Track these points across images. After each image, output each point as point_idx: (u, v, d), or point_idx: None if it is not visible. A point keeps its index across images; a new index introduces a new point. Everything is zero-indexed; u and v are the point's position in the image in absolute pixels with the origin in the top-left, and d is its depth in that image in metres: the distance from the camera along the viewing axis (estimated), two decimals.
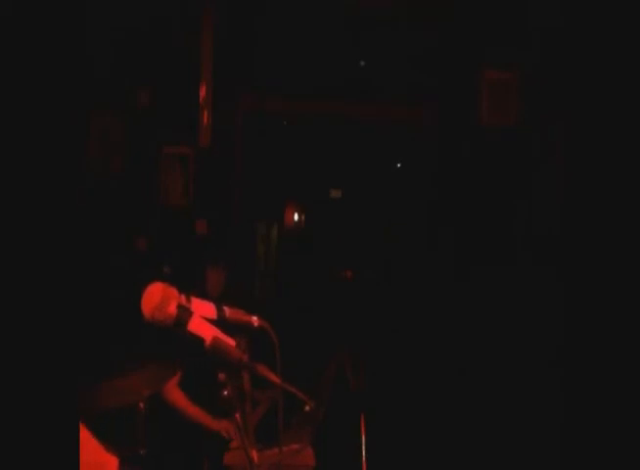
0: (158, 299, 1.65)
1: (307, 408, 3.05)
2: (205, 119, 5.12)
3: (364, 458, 3.46)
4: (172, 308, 1.65)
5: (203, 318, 1.70)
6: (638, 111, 1.53)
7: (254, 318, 1.81)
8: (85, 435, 1.47)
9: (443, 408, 4.87)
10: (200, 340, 1.67)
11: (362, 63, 5.44)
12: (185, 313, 1.67)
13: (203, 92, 5.09)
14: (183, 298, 1.70)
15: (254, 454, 3.15)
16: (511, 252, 5.16)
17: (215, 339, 1.67)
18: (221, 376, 1.73)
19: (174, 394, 3.59)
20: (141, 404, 2.98)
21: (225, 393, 1.74)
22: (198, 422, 3.56)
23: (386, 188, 7.16)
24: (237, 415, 1.80)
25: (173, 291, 1.68)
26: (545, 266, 4.78)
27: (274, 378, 1.71)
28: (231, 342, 1.69)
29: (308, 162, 7.30)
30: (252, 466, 1.95)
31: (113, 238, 4.99)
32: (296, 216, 7.94)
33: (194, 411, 3.58)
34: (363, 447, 3.47)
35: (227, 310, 1.78)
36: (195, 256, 4.47)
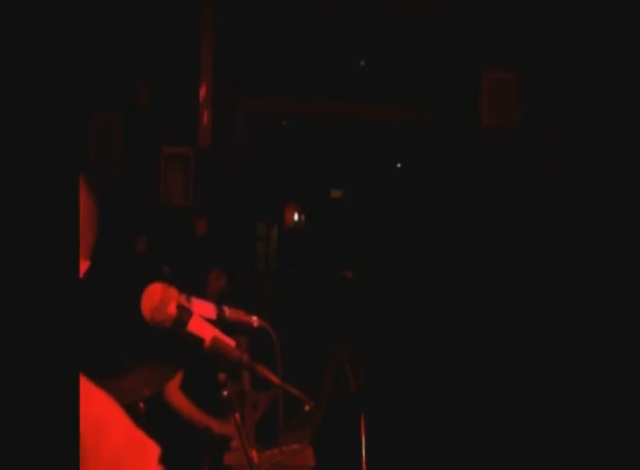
0: (157, 299, 1.65)
1: (307, 408, 3.05)
2: (205, 119, 5.12)
3: (364, 458, 3.46)
4: (172, 309, 1.65)
5: (203, 318, 1.70)
6: (638, 111, 1.54)
7: (254, 318, 1.81)
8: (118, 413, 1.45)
9: (443, 408, 4.87)
10: (200, 340, 1.67)
11: (362, 63, 5.44)
12: (185, 313, 1.67)
13: (203, 92, 5.09)
14: (183, 298, 1.69)
15: (254, 454, 3.15)
16: (511, 252, 5.16)
17: (215, 339, 1.67)
18: (221, 376, 1.72)
19: (177, 398, 3.59)
20: (141, 404, 2.98)
21: (225, 393, 1.74)
22: (202, 426, 3.56)
23: (386, 188, 7.15)
24: (237, 415, 1.80)
25: (173, 291, 1.68)
26: (545, 266, 4.78)
27: (274, 378, 1.70)
28: (231, 342, 1.69)
29: (308, 162, 7.30)
30: (252, 466, 1.95)
31: (113, 238, 4.98)
32: (296, 216, 7.93)
33: (198, 416, 3.58)
34: (363, 447, 3.48)
35: (227, 310, 1.78)
36: (195, 256, 4.47)
